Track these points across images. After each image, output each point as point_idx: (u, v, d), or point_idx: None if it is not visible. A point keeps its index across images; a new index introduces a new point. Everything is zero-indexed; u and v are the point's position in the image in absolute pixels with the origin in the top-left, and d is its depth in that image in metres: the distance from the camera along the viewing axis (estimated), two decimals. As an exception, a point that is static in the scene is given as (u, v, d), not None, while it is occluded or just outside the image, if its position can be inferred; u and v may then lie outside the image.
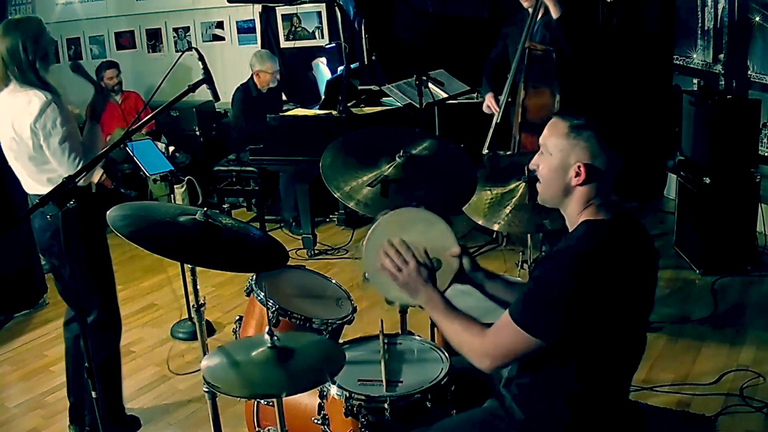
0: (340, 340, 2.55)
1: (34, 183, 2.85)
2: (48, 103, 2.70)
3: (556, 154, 1.82)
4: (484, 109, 4.38)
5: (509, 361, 1.83)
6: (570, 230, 1.86)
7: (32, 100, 2.71)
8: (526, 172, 2.69)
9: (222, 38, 7.04)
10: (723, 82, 5.08)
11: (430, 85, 4.59)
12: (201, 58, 2.45)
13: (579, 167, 1.79)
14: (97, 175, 3.02)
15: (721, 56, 5.09)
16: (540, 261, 1.80)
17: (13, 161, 2.88)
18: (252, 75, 5.79)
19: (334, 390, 2.16)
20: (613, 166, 1.81)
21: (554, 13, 3.79)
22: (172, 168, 3.99)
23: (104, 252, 3.01)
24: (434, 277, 1.97)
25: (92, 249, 2.93)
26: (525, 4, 3.98)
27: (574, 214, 1.85)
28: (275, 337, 1.96)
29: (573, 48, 3.83)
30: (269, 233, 3.09)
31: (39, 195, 2.77)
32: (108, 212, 2.18)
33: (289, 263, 2.42)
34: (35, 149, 2.75)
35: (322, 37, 6.57)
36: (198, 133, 6.50)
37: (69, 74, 2.87)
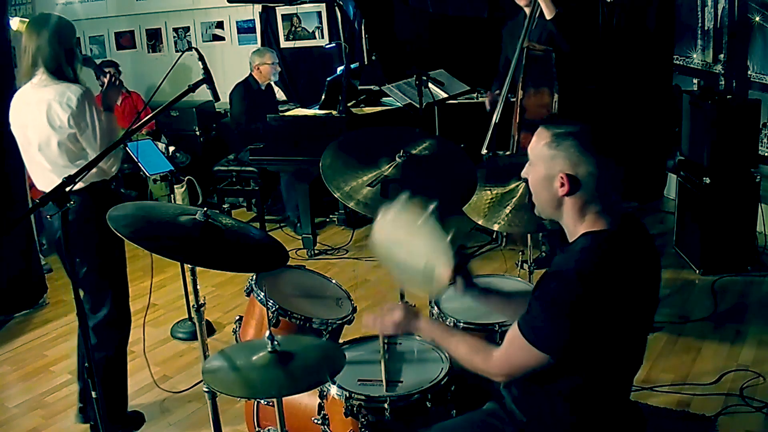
0: (340, 340, 2.55)
1: (58, 179, 2.82)
2: (83, 96, 2.74)
3: (541, 165, 1.79)
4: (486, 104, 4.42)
5: (521, 375, 1.81)
6: (570, 241, 1.81)
7: (67, 93, 2.73)
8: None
9: (222, 38, 7.04)
10: (723, 82, 5.08)
11: (430, 85, 4.58)
12: (201, 58, 2.46)
13: (562, 177, 1.75)
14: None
15: (721, 56, 5.09)
16: (544, 276, 1.77)
17: (33, 156, 2.84)
18: (251, 72, 5.79)
19: (334, 390, 2.16)
20: (603, 172, 1.74)
21: (547, 14, 3.82)
22: (172, 168, 3.98)
23: (118, 248, 3.01)
24: (418, 312, 2.05)
25: (107, 245, 2.91)
26: (521, 3, 3.97)
27: (572, 225, 1.81)
28: (275, 342, 1.96)
29: (571, 43, 3.85)
30: (269, 233, 3.09)
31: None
32: (108, 212, 2.18)
33: (289, 263, 2.42)
34: (72, 142, 2.77)
35: (322, 37, 6.57)
36: (198, 133, 6.50)
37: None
